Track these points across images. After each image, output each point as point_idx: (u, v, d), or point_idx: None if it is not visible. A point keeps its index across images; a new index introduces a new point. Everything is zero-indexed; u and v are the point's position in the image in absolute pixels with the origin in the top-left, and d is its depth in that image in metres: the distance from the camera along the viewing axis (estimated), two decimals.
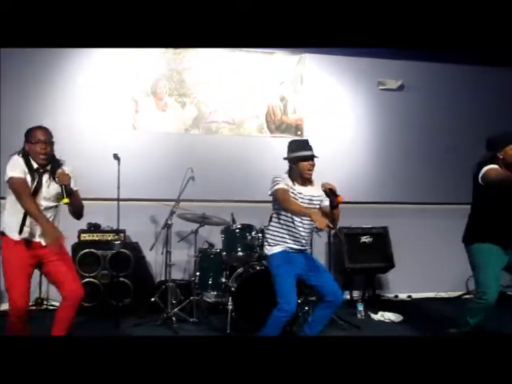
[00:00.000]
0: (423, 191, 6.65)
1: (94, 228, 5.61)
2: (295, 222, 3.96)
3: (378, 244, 6.12)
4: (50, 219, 3.61)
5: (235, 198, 6.11)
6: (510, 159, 3.95)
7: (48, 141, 3.58)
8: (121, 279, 5.44)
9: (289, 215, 3.94)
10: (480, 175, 3.96)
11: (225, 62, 6.59)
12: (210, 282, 5.23)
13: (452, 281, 6.60)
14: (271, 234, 4.05)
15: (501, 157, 3.97)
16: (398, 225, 6.35)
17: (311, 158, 3.94)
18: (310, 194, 3.98)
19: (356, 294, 6.31)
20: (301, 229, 3.98)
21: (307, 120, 6.76)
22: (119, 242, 5.49)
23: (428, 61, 6.80)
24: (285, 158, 4.06)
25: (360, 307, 5.48)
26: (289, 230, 3.98)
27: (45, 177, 3.58)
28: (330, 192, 3.79)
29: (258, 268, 4.89)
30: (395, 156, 6.74)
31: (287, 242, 3.98)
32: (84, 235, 5.53)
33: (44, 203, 3.57)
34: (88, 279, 5.37)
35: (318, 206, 4.02)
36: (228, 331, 4.73)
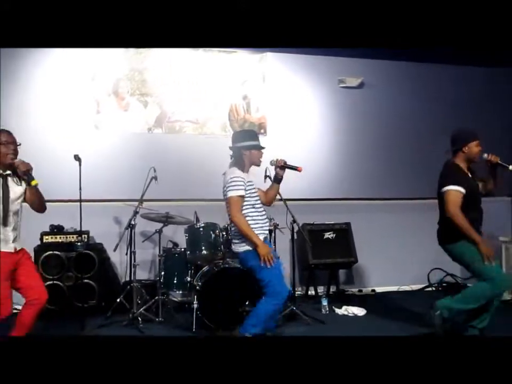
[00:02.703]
0: (384, 187, 6.78)
1: (57, 229, 5.55)
2: (261, 212, 4.04)
3: (341, 239, 6.21)
4: (17, 222, 3.59)
5: (199, 197, 6.11)
6: (473, 155, 4.21)
7: (15, 141, 3.56)
8: (86, 280, 5.41)
9: (257, 206, 4.00)
10: (442, 190, 4.17)
11: (187, 61, 6.59)
12: (175, 281, 5.25)
13: (414, 275, 6.76)
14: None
15: (465, 152, 4.20)
16: (361, 221, 6.47)
17: (262, 147, 4.16)
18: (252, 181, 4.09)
19: (320, 289, 6.39)
20: (265, 217, 4.09)
21: (270, 119, 6.81)
22: (82, 243, 5.45)
23: (387, 59, 6.93)
24: (230, 147, 4.16)
25: (325, 302, 5.56)
26: (260, 220, 4.00)
27: (10, 179, 3.56)
28: (288, 166, 4.18)
29: (222, 266, 4.92)
30: (357, 152, 6.84)
31: (264, 233, 4.01)
32: (47, 237, 5.47)
33: (12, 207, 3.53)
34: (52, 282, 5.31)
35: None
36: (194, 329, 4.75)
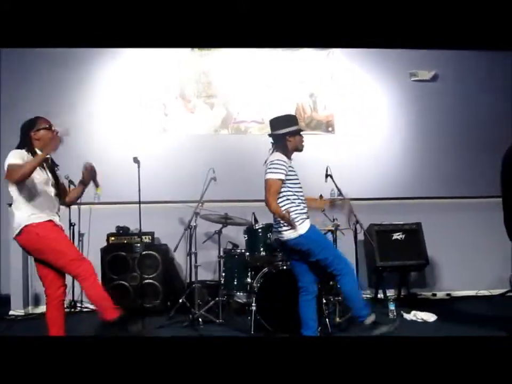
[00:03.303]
0: (458, 185, 6.38)
1: (122, 231, 5.68)
2: (303, 201, 3.93)
3: (411, 240, 5.91)
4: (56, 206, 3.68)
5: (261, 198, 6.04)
6: None
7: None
8: (150, 280, 5.49)
9: (299, 195, 3.89)
10: None
11: (252, 61, 6.55)
12: (235, 283, 5.19)
13: (494, 278, 6.30)
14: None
15: None
16: (433, 221, 6.11)
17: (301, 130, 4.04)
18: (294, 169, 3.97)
19: (390, 292, 6.11)
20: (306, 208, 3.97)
21: (338, 116, 6.63)
22: (147, 244, 5.54)
23: (463, 49, 6.52)
24: (272, 135, 4.03)
25: (392, 306, 5.29)
26: (300, 209, 3.88)
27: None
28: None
29: (281, 267, 4.81)
30: (428, 149, 6.51)
31: (305, 218, 3.88)
32: (113, 238, 5.60)
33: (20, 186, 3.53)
34: (117, 282, 5.44)
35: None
36: (252, 332, 4.68)
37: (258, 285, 4.80)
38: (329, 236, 5.06)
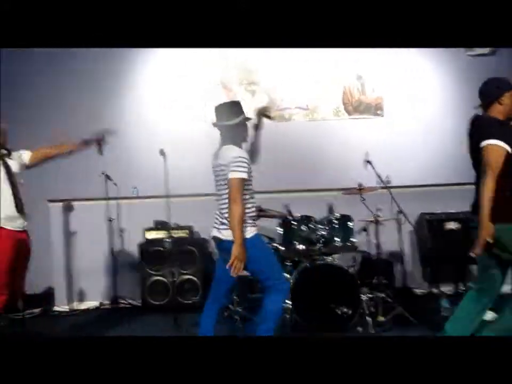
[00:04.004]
0: None
1: (160, 225, 5.55)
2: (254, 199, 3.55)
3: (467, 230, 5.41)
4: None
5: (304, 187, 5.76)
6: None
7: None
8: (189, 276, 5.34)
9: (252, 193, 3.51)
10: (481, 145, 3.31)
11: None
12: None
13: None
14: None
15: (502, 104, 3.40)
16: None
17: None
18: None
19: (445, 288, 5.65)
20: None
21: (388, 98, 6.20)
22: (185, 239, 5.39)
23: None
24: (223, 126, 3.54)
25: (445, 303, 4.86)
26: (252, 211, 3.52)
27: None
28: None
29: (319, 262, 4.53)
30: None
31: (255, 225, 3.51)
32: (150, 233, 5.48)
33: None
34: (155, 278, 5.33)
35: None
36: (288, 331, 4.43)
37: (295, 280, 4.54)
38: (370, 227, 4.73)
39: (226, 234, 3.36)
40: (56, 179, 5.60)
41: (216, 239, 3.48)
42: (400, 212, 4.70)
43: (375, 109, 6.23)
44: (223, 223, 3.41)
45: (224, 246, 3.39)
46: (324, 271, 4.47)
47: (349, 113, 6.25)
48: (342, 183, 5.43)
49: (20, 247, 3.76)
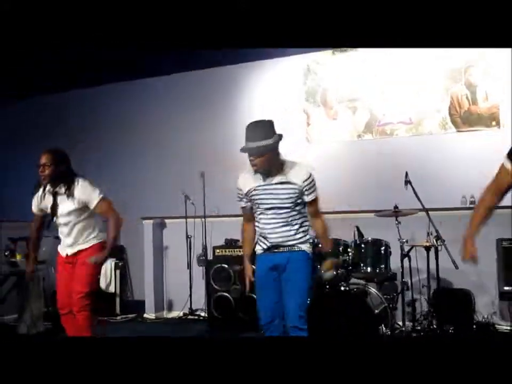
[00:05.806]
0: None
1: (229, 243, 5.54)
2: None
3: None
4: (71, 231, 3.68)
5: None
6: None
7: (48, 163, 3.56)
8: (252, 294, 5.20)
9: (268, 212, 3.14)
10: None
11: (393, 57, 5.76)
12: None
13: None
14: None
15: None
16: None
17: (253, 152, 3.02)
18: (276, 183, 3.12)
19: None
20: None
21: (504, 107, 5.32)
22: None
23: None
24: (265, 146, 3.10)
25: None
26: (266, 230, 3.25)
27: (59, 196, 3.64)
28: None
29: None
30: None
31: (266, 244, 3.27)
32: (218, 250, 5.51)
33: (62, 220, 3.64)
34: (220, 294, 5.34)
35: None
36: None
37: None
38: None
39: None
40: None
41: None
42: (438, 238, 3.99)
43: (489, 120, 5.39)
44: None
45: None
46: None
47: (456, 126, 5.53)
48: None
49: None
